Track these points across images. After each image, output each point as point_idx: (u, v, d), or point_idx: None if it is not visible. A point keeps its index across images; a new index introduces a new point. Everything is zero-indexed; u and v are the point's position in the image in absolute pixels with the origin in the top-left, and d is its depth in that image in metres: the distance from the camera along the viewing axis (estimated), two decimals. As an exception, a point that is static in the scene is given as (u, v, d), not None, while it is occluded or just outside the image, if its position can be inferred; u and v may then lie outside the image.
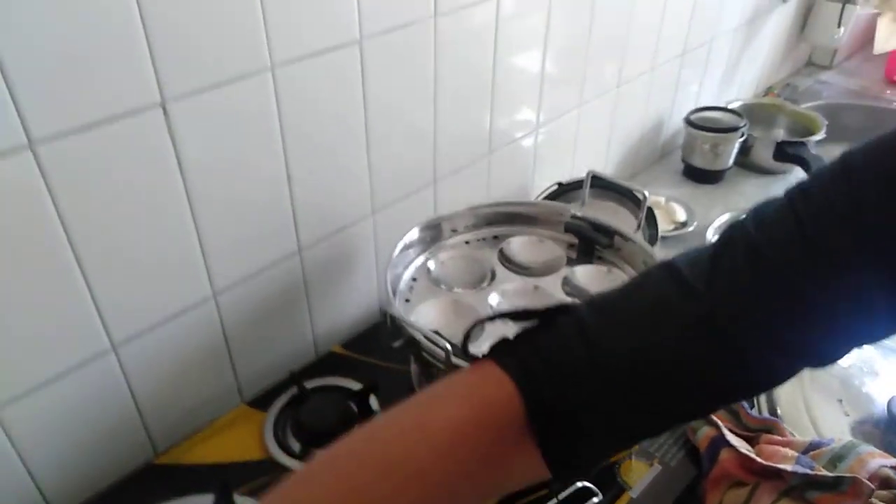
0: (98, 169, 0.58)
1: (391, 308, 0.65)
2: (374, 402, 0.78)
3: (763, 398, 0.75)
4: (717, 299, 0.41)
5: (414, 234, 0.80)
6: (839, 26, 1.55)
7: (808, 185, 0.42)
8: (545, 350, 0.44)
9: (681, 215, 1.22)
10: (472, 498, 0.44)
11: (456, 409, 0.43)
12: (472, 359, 0.47)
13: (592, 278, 0.81)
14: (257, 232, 0.74)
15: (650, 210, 0.89)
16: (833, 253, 0.39)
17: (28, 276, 0.57)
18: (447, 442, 0.41)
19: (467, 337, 0.54)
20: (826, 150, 1.40)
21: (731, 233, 0.44)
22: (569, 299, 0.78)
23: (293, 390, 0.79)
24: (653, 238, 1.00)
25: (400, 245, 0.77)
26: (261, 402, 0.79)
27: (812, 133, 1.36)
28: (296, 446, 0.73)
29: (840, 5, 1.50)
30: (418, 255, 0.84)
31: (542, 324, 0.45)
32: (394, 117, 0.81)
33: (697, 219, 1.21)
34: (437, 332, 0.68)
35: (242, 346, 0.79)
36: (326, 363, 0.85)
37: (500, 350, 0.45)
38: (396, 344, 0.67)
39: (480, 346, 0.69)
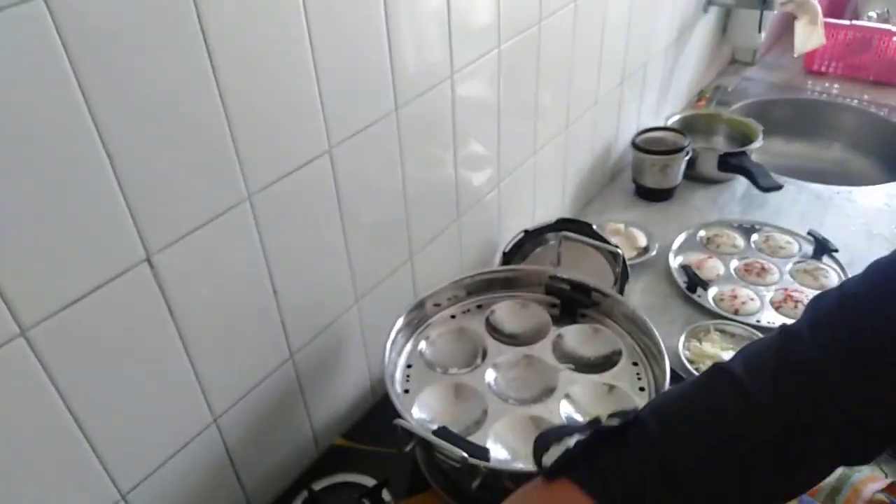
0: (89, 336, 0.56)
1: (401, 421, 0.66)
2: (386, 495, 0.79)
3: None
4: (784, 414, 0.44)
5: (400, 322, 0.81)
6: (759, 31, 1.62)
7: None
8: (619, 469, 0.45)
9: (642, 240, 1.26)
10: None
11: None
12: (539, 471, 0.49)
13: (581, 341, 0.84)
14: (249, 350, 0.73)
15: (619, 257, 0.93)
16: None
17: (31, 443, 0.56)
18: None
19: (539, 454, 0.52)
20: (766, 146, 1.47)
21: (786, 348, 0.46)
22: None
23: (304, 494, 0.79)
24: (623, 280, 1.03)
25: (389, 342, 0.78)
26: (275, 511, 0.79)
27: (751, 140, 1.43)
28: (318, 556, 0.74)
29: (758, 12, 1.57)
30: (408, 339, 0.85)
31: (606, 435, 0.47)
32: (367, 208, 0.82)
33: (657, 240, 1.25)
34: (445, 429, 0.69)
35: (246, 460, 0.78)
36: (331, 459, 0.85)
37: (568, 465, 0.46)
38: (408, 448, 0.68)
39: (486, 442, 0.71)
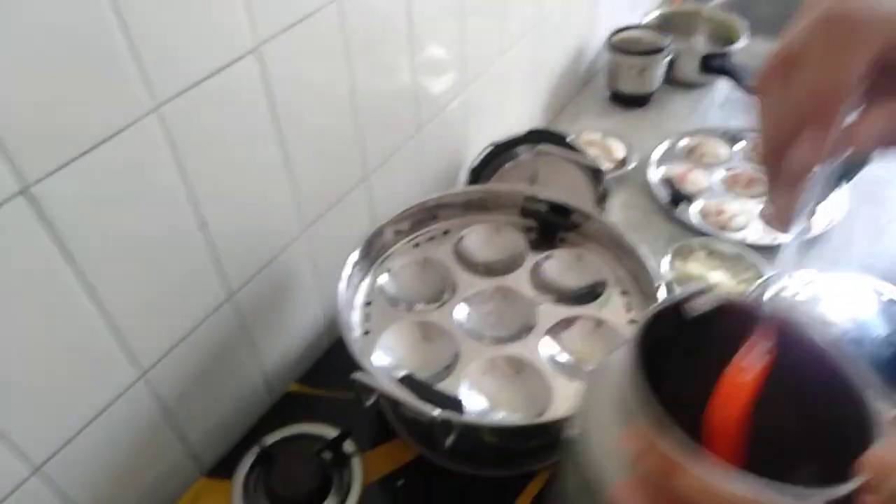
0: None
1: (359, 375, 0.56)
2: (349, 446, 0.70)
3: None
4: None
5: (355, 255, 0.70)
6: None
7: None
8: None
9: (619, 151, 1.16)
10: None
11: None
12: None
13: (563, 270, 0.75)
14: (176, 293, 0.62)
15: (601, 174, 0.82)
16: None
17: None
18: None
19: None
20: (750, 48, 1.36)
21: None
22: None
23: (256, 450, 0.70)
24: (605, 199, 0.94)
25: (344, 279, 0.67)
26: (224, 468, 0.70)
27: (734, 39, 1.31)
28: (272, 519, 0.65)
29: None
30: (366, 272, 0.74)
31: None
32: (309, 121, 0.69)
33: (636, 151, 1.15)
34: (411, 377, 0.60)
35: (187, 415, 0.68)
36: (286, 407, 0.76)
37: None
38: (369, 402, 0.59)
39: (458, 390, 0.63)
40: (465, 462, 0.67)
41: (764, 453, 0.35)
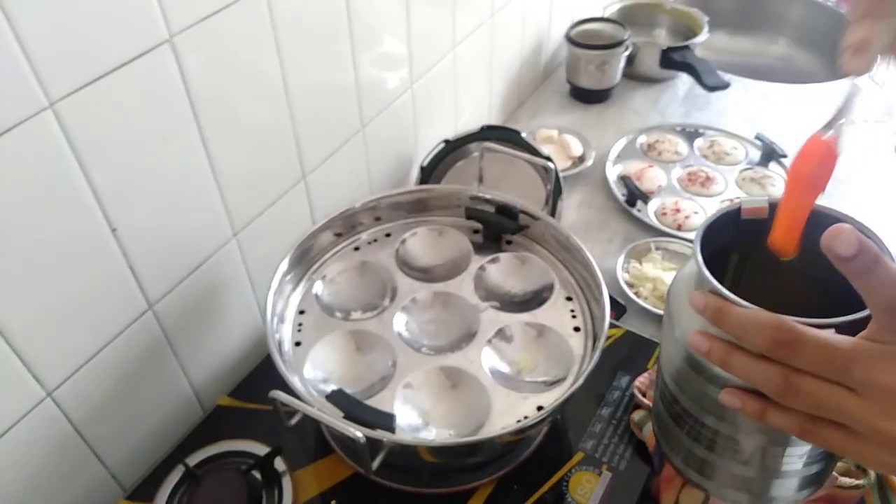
0: None
1: (277, 394, 0.52)
2: (280, 464, 0.66)
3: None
4: None
5: (284, 264, 0.66)
6: None
7: None
8: None
9: (577, 148, 1.13)
10: None
11: None
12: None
13: (507, 274, 0.71)
14: (87, 306, 0.57)
15: (552, 172, 0.79)
16: None
17: None
18: None
19: None
20: (709, 42, 1.34)
21: None
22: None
23: (181, 469, 0.65)
24: (556, 198, 0.90)
25: (272, 290, 0.63)
26: (146, 490, 0.65)
27: (695, 33, 1.29)
28: (196, 544, 0.61)
29: None
30: (300, 278, 0.70)
31: None
32: (235, 117, 0.65)
33: (594, 148, 1.12)
34: (340, 392, 0.57)
35: (104, 433, 0.64)
36: (215, 422, 0.71)
37: None
38: (293, 422, 0.55)
39: (393, 404, 0.59)
40: (402, 479, 0.64)
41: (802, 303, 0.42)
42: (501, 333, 0.65)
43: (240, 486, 0.63)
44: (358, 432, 0.49)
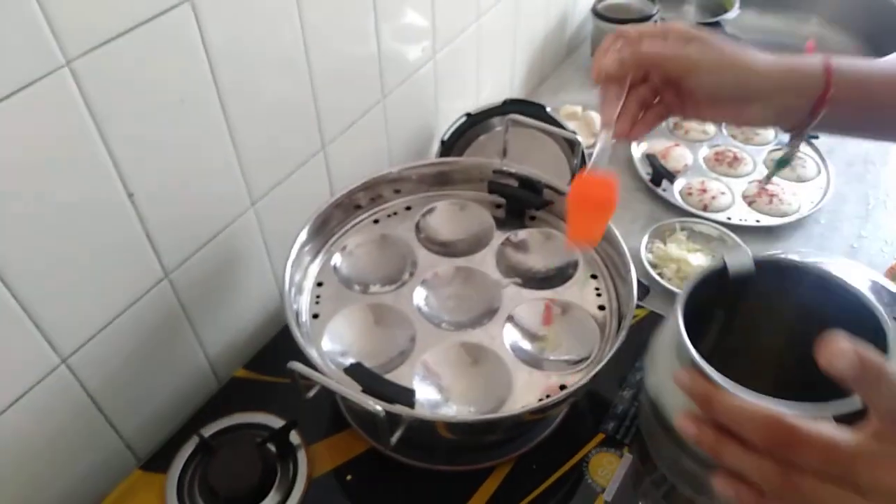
0: None
1: (296, 365, 0.51)
2: (295, 437, 0.65)
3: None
4: None
5: (304, 234, 0.64)
6: None
7: None
8: None
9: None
10: None
11: None
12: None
13: (529, 250, 0.69)
14: (103, 272, 0.56)
15: (578, 146, 0.77)
16: None
17: None
18: None
19: None
20: (739, 21, 1.30)
21: None
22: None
23: (196, 440, 0.65)
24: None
25: (290, 258, 0.62)
26: (161, 460, 0.65)
27: (725, 9, 1.25)
28: (210, 514, 0.61)
29: None
30: (319, 250, 0.69)
31: None
32: (255, 83, 0.63)
33: (618, 126, 1.09)
34: (359, 366, 0.55)
35: (119, 403, 0.63)
36: (231, 394, 0.71)
37: None
38: (310, 395, 0.54)
39: (412, 379, 0.58)
40: (419, 456, 0.63)
41: (793, 382, 0.43)
42: (524, 310, 0.63)
43: (255, 458, 0.62)
44: (378, 406, 0.48)
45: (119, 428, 0.64)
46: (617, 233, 0.64)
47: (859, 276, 0.76)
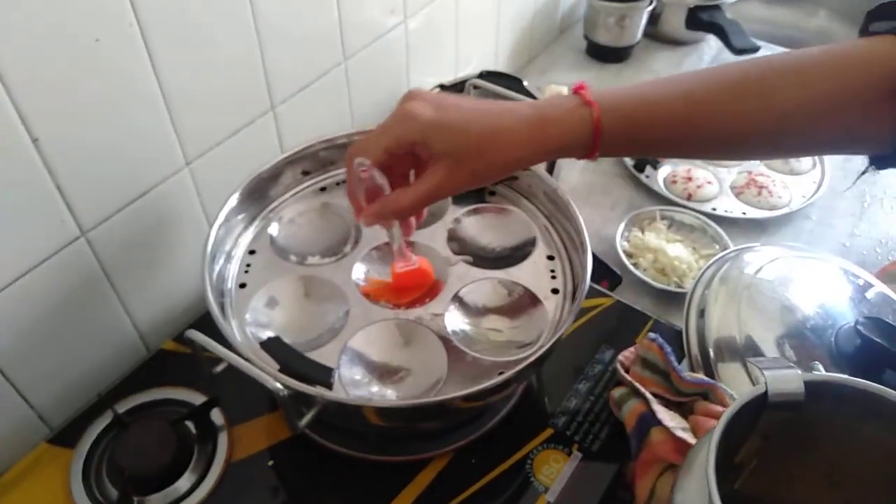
0: None
1: (193, 333, 0.46)
2: (217, 417, 0.60)
3: (698, 354, 0.62)
4: None
5: (235, 197, 0.59)
6: None
7: None
8: None
9: (587, 107, 1.04)
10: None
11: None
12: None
13: (485, 227, 0.64)
14: (6, 222, 0.51)
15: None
16: None
17: None
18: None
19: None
20: (741, 9, 1.25)
21: None
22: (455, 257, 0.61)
23: (110, 415, 0.60)
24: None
25: (217, 223, 0.56)
26: (71, 435, 0.60)
27: (726, -7, 1.19)
28: (114, 495, 0.55)
29: None
30: (255, 217, 0.63)
31: None
32: (188, 29, 0.58)
33: (605, 109, 1.03)
34: (276, 340, 0.50)
35: (29, 367, 0.58)
36: (156, 367, 0.65)
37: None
38: (218, 369, 0.49)
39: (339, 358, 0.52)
40: (348, 443, 0.57)
41: None
42: (470, 290, 0.58)
43: (169, 436, 0.57)
44: (278, 384, 0.43)
45: (28, 396, 0.60)
46: (575, 208, 0.59)
47: (844, 275, 0.70)
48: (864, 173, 0.53)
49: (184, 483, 0.56)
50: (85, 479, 0.56)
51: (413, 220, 0.53)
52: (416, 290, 0.57)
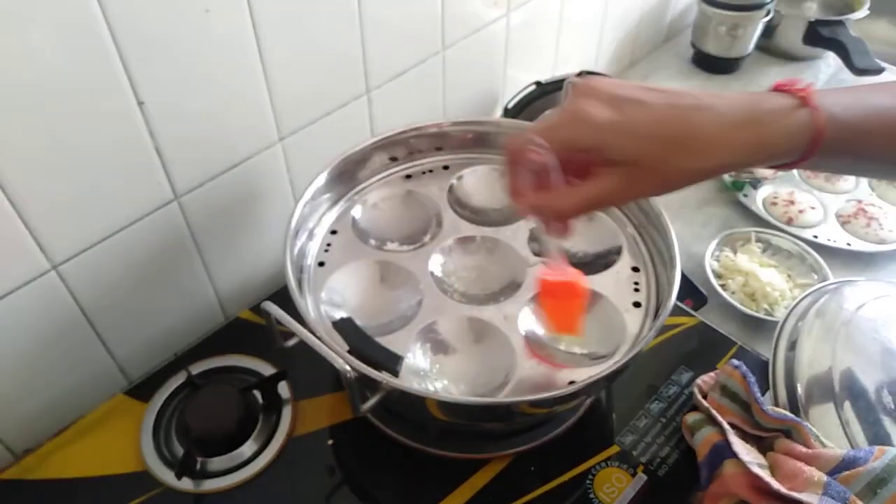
0: None
1: (269, 305, 0.46)
2: (284, 390, 0.61)
3: (784, 388, 0.58)
4: None
5: (323, 176, 0.60)
6: None
7: None
8: None
9: (687, 118, 0.99)
10: None
11: None
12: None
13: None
14: (105, 181, 0.53)
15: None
16: None
17: None
18: None
19: None
20: (867, 28, 1.16)
21: None
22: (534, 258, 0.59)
23: (184, 376, 0.62)
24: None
25: (303, 199, 0.57)
26: (146, 389, 0.62)
27: (853, 9, 1.11)
28: (179, 452, 0.57)
29: None
30: (340, 197, 0.64)
31: None
32: (294, 8, 0.58)
33: (707, 121, 0.99)
34: (349, 321, 0.50)
35: (114, 320, 0.61)
36: (231, 335, 0.67)
37: None
38: (289, 343, 0.49)
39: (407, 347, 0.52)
40: (409, 433, 0.57)
41: None
42: (547, 293, 0.56)
43: (236, 403, 0.58)
44: (347, 365, 0.43)
45: (111, 347, 0.62)
46: (668, 221, 0.56)
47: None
48: None
49: (246, 450, 0.57)
50: (154, 434, 0.59)
51: (571, 223, 0.44)
52: (564, 308, 0.50)
